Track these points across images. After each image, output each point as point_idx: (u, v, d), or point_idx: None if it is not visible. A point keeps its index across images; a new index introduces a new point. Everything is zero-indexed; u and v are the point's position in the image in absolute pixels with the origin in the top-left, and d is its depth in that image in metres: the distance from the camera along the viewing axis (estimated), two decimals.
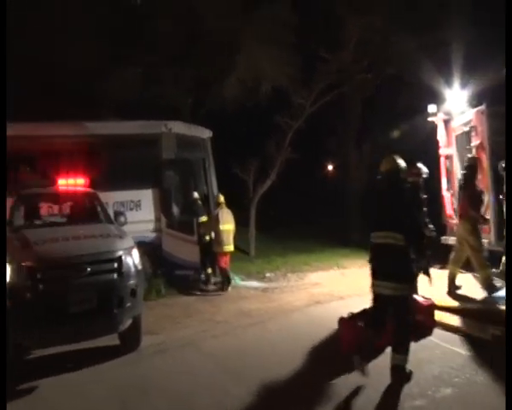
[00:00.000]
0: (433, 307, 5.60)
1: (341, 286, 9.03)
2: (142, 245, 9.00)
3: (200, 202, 9.75)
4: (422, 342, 5.23)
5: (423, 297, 5.65)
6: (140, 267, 5.92)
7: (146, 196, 9.82)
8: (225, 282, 9.34)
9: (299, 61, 13.10)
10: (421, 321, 5.22)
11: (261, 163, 13.73)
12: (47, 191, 7.25)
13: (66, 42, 12.55)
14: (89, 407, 4.54)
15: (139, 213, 9.66)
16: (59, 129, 9.36)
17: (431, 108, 8.62)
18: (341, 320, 5.42)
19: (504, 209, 6.30)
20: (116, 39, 12.94)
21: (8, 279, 5.10)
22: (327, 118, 15.03)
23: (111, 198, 9.22)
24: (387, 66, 13.29)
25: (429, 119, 8.77)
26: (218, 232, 9.30)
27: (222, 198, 9.66)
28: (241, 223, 14.62)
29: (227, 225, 9.37)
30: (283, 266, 11.61)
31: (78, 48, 12.49)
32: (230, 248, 9.43)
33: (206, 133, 11.10)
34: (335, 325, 5.53)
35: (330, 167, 25.61)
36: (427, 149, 9.61)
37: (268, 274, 10.82)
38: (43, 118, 9.39)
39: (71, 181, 7.44)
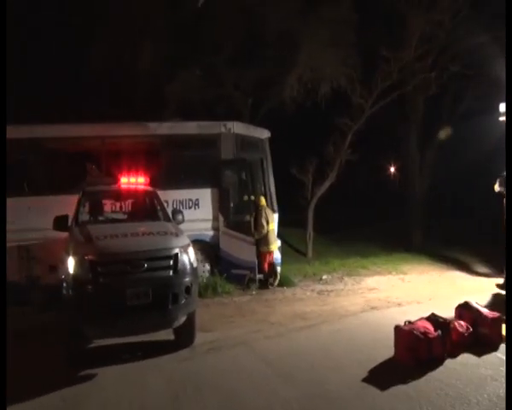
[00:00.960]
0: (499, 319, 5.25)
1: (399, 292, 8.70)
2: (199, 243, 9.36)
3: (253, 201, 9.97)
4: (487, 357, 4.95)
5: (489, 309, 5.32)
6: (195, 265, 6.01)
7: (204, 196, 9.93)
8: (273, 276, 9.68)
9: (359, 60, 12.72)
10: (485, 334, 4.90)
11: (320, 164, 13.53)
12: (110, 189, 7.54)
13: (132, 43, 13.05)
14: (143, 397, 4.64)
15: (197, 212, 9.79)
16: (122, 129, 9.71)
17: (502, 106, 8.11)
18: (397, 328, 5.20)
19: None
20: (178, 40, 13.25)
21: (71, 271, 5.36)
22: (388, 119, 14.55)
23: (170, 197, 9.44)
24: (452, 63, 12.63)
25: (501, 119, 8.25)
26: (265, 232, 9.56)
27: (263, 200, 9.94)
28: (298, 224, 14.61)
29: (272, 224, 9.76)
30: (340, 269, 11.43)
31: (143, 49, 12.94)
32: (275, 246, 9.86)
33: (264, 134, 11.08)
34: (391, 333, 5.32)
35: (392, 169, 24.87)
36: (498, 151, 9.04)
37: (324, 276, 10.67)
38: (108, 119, 9.82)
39: (132, 179, 7.66)
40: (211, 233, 9.89)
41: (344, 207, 19.28)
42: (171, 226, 6.47)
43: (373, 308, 7.67)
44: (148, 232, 6.01)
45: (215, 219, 9.95)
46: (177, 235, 6.09)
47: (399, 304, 7.84)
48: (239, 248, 9.60)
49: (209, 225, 9.91)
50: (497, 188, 7.45)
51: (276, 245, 9.92)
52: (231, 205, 10.03)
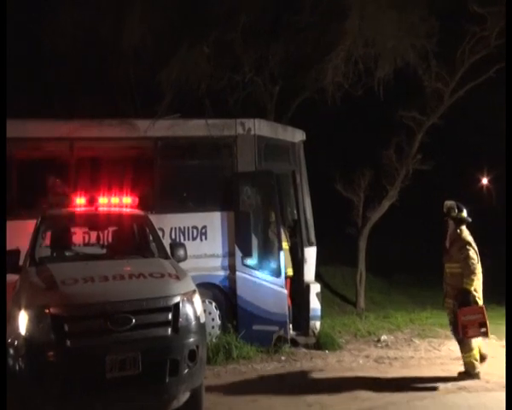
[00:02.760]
0: None
1: (501, 366, 8.38)
2: (207, 288, 9.50)
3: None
4: None
5: None
6: (203, 320, 5.99)
7: (214, 222, 10.01)
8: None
9: (436, 25, 12.38)
10: None
11: (375, 177, 13.47)
12: (82, 212, 7.56)
13: (115, 9, 13.28)
14: None
15: (204, 245, 9.88)
16: (99, 130, 9.78)
17: None
18: None
19: None
20: (178, 5, 13.37)
21: (24, 331, 5.27)
22: (480, 109, 14.30)
23: (167, 223, 9.58)
24: None
25: None
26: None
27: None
28: (344, 261, 14.44)
29: (285, 243, 10.19)
30: (407, 327, 11.31)
31: (129, 18, 13.13)
32: (290, 271, 10.24)
33: (297, 136, 11.09)
34: None
35: (484, 181, 24.38)
36: None
37: (384, 337, 10.52)
38: (80, 114, 9.94)
39: (115, 200, 7.73)
40: (224, 274, 9.94)
41: (411, 237, 18.98)
42: (168, 265, 6.53)
43: (461, 388, 7.39)
44: (138, 274, 6.04)
45: (230, 254, 9.98)
46: (177, 277, 6.11)
47: (502, 385, 7.04)
48: (264, 295, 9.64)
49: (221, 262, 9.96)
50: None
51: (290, 270, 10.19)
52: (252, 235, 10.07)
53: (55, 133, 9.51)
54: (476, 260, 7.53)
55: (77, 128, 9.62)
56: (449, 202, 8.02)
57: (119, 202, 7.75)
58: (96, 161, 10.01)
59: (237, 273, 9.83)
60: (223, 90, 13.65)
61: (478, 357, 7.76)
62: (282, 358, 9.15)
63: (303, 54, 13.67)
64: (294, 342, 9.76)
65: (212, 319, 9.69)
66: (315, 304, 10.12)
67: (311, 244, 10.45)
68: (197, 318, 5.83)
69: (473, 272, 7.46)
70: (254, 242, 10.12)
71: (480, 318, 7.38)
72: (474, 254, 7.56)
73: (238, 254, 9.87)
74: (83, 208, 7.58)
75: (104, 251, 7.89)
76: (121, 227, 7.87)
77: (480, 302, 7.60)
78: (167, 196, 9.82)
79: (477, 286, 7.59)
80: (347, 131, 17.70)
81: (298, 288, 10.23)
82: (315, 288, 10.25)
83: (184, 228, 9.87)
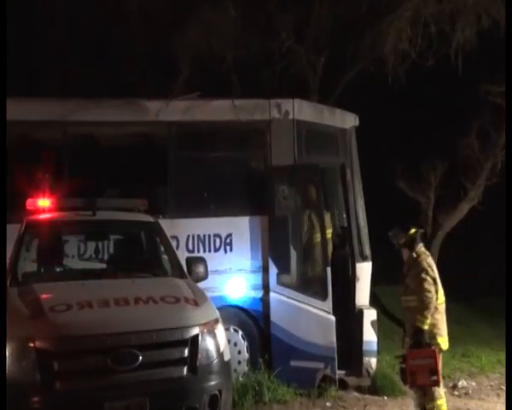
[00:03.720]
0: None
1: None
2: (233, 314, 9.54)
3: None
4: None
5: None
6: (227, 357, 6.04)
7: (242, 229, 10.05)
8: None
9: None
10: None
11: (450, 172, 13.28)
12: (77, 218, 7.59)
13: None
14: None
15: (229, 258, 9.94)
16: (100, 112, 9.80)
17: None
18: None
19: None
20: None
21: (6, 368, 5.27)
22: None
23: (183, 230, 9.63)
24: None
25: None
26: None
27: None
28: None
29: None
30: (494, 371, 11.16)
31: None
32: None
33: (348, 120, 11.06)
34: None
35: None
36: None
37: (463, 382, 10.37)
38: (76, 92, 9.98)
39: (117, 202, 7.88)
40: (253, 295, 9.96)
41: (497, 250, 18.59)
42: (185, 286, 6.61)
43: None
44: (146, 298, 6.06)
45: (262, 270, 10.00)
46: (195, 303, 6.17)
47: None
48: (305, 323, 9.61)
49: (251, 280, 9.97)
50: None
51: None
52: (291, 246, 10.07)
53: (41, 115, 9.51)
54: (433, 292, 7.49)
55: (70, 109, 9.64)
56: (390, 234, 8.15)
57: (123, 205, 7.82)
58: (94, 151, 10.01)
59: (271, 294, 9.82)
60: (254, 63, 13.65)
61: None
62: (328, 404, 9.05)
63: (355, 15, 13.55)
64: (343, 384, 9.64)
65: (239, 352, 9.70)
66: (370, 335, 9.97)
67: (364, 258, 10.37)
68: (220, 354, 5.86)
69: (427, 307, 7.41)
70: (294, 254, 10.12)
71: (431, 363, 7.34)
72: (429, 284, 7.52)
73: (273, 269, 9.85)
74: (78, 212, 7.60)
75: (104, 267, 7.96)
76: (126, 237, 7.97)
77: (444, 343, 7.65)
78: (183, 197, 9.84)
79: (438, 323, 7.61)
80: (413, 113, 17.42)
81: (348, 314, 10.06)
82: (370, 314, 10.12)
83: (204, 237, 9.90)
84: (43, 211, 7.68)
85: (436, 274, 7.64)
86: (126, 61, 14.32)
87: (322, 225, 9.89)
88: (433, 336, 7.46)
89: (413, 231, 8.00)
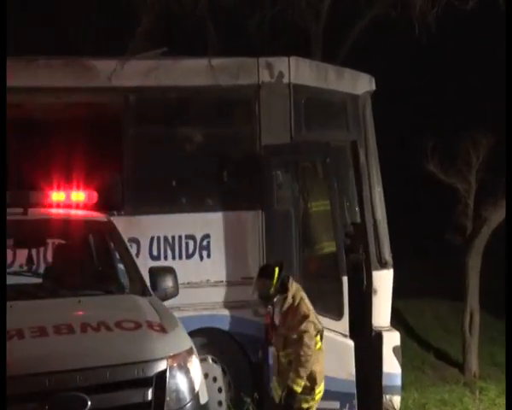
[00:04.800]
0: None
1: None
2: (211, 339, 9.64)
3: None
4: None
5: None
6: (204, 399, 6.01)
7: (223, 228, 10.09)
8: None
9: None
10: None
11: (496, 151, 13.28)
12: (9, 218, 7.21)
13: None
14: None
15: (207, 266, 10.00)
16: (33, 75, 9.68)
17: None
18: None
19: None
20: None
21: None
22: None
23: (145, 231, 9.69)
24: None
25: None
26: None
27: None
28: (442, 290, 14.35)
29: None
30: None
31: None
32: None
33: (361, 84, 11.07)
34: None
35: None
36: None
37: None
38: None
39: (57, 195, 7.65)
40: (240, 314, 9.97)
41: None
42: (147, 306, 6.57)
43: None
44: (97, 323, 5.96)
45: (251, 281, 9.78)
46: (162, 328, 6.08)
47: None
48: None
49: (235, 294, 9.99)
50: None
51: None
52: (294, 250, 10.04)
53: None
54: (312, 347, 7.73)
55: None
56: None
57: (64, 200, 7.68)
58: (23, 128, 9.98)
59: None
60: (236, 8, 13.59)
61: None
62: None
63: None
64: None
65: (219, 390, 9.77)
66: (391, 366, 10.02)
67: (383, 265, 10.36)
68: (195, 396, 5.81)
69: (303, 365, 7.67)
70: (298, 260, 10.07)
71: None
72: (310, 338, 7.77)
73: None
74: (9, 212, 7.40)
75: (40, 282, 7.81)
76: (69, 241, 7.92)
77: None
78: (145, 187, 9.89)
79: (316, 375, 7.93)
80: (446, 74, 17.49)
81: (362, 338, 10.10)
82: (391, 338, 10.16)
83: (173, 239, 9.94)
84: None
85: (313, 312, 8.02)
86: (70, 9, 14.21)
87: (334, 222, 9.99)
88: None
89: (276, 268, 8.11)
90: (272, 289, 7.98)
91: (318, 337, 7.88)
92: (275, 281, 7.98)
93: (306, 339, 7.65)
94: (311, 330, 7.71)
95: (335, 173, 10.51)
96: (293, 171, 10.31)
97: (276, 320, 8.13)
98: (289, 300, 7.92)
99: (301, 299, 7.96)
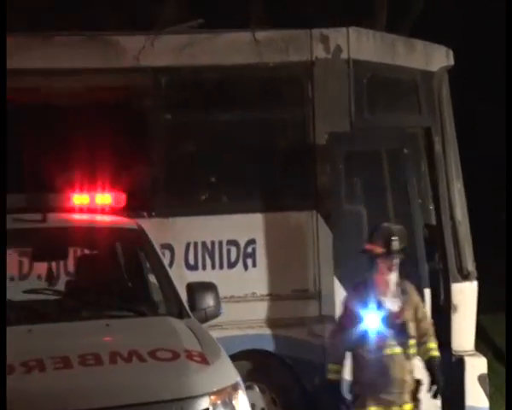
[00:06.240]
0: None
1: None
2: (257, 365, 9.66)
3: None
4: None
5: None
6: None
7: (272, 232, 10.06)
8: None
9: None
10: None
11: None
12: (18, 227, 7.49)
13: None
14: None
15: (252, 278, 10.02)
16: (51, 54, 9.76)
17: None
18: None
19: None
20: None
21: None
22: None
23: (179, 236, 9.70)
24: None
25: None
26: None
27: None
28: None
29: None
30: None
31: None
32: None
33: (437, 58, 10.95)
34: None
35: None
36: None
37: None
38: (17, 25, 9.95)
39: (80, 198, 7.73)
40: (293, 334, 9.95)
41: None
42: (186, 332, 6.61)
43: None
44: (127, 353, 5.99)
45: (312, 295, 10.02)
46: (204, 359, 6.10)
47: None
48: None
49: (288, 311, 9.97)
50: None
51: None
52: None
53: None
54: None
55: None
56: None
57: (88, 203, 7.74)
58: (40, 116, 9.92)
59: None
60: None
61: None
62: None
63: None
64: None
65: None
66: (477, 398, 9.90)
67: (465, 277, 10.24)
68: None
69: None
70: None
71: None
72: None
73: (341, 293, 9.71)
74: (19, 217, 7.56)
75: (61, 300, 7.81)
76: (94, 253, 8.00)
77: None
78: (179, 184, 9.92)
79: None
80: None
81: (441, 365, 9.96)
82: (476, 365, 10.05)
83: (213, 245, 9.95)
84: None
85: None
86: None
87: (413, 224, 10.01)
88: None
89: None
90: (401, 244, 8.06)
91: None
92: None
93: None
94: None
95: (406, 166, 10.50)
96: (362, 163, 10.31)
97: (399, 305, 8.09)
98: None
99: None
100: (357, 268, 9.42)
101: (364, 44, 10.52)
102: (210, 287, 7.37)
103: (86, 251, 8.15)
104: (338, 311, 9.37)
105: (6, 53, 7.60)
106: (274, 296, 9.93)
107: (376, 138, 10.24)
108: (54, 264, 8.77)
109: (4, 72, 7.48)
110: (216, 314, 7.26)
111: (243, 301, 9.66)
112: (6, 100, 7.30)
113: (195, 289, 7.30)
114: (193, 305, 7.12)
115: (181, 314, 6.98)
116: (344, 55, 10.29)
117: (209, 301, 7.18)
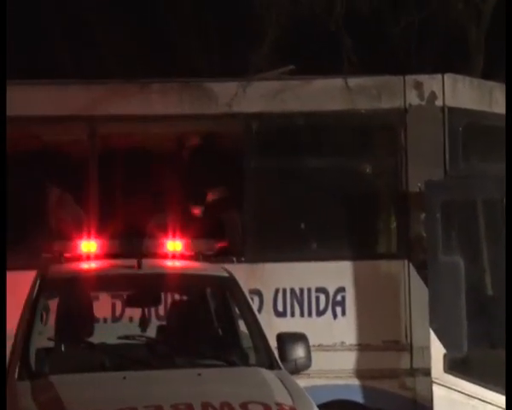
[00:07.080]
0: None
1: None
2: None
3: None
4: None
5: None
6: None
7: (361, 279, 10.02)
8: None
9: None
10: None
11: None
12: (114, 273, 7.62)
13: None
14: None
15: (342, 326, 9.99)
16: (144, 101, 9.89)
17: None
18: None
19: None
20: None
21: None
22: None
23: (267, 282, 9.73)
24: None
25: None
26: None
27: None
28: None
29: None
30: None
31: None
32: None
33: None
34: None
35: None
36: None
37: None
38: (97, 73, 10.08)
39: (172, 244, 7.73)
40: (385, 387, 9.91)
41: None
42: (276, 383, 6.48)
43: None
44: (219, 405, 5.87)
45: (404, 347, 9.95)
46: None
47: None
48: None
49: (379, 362, 9.93)
50: None
51: None
52: (464, 309, 9.68)
53: (47, 108, 9.65)
54: None
55: (99, 97, 9.81)
56: None
57: (181, 250, 7.76)
58: (134, 160, 10.15)
59: (435, 389, 9.66)
60: (377, 15, 13.56)
61: None
62: None
63: None
64: None
65: None
66: None
67: None
68: None
69: None
70: (467, 321, 9.68)
71: None
72: None
73: (437, 347, 9.64)
74: (112, 264, 7.64)
75: (154, 346, 7.83)
76: (185, 300, 8.05)
77: None
78: (269, 229, 9.95)
79: None
80: None
81: None
82: None
83: (302, 291, 9.94)
84: (83, 258, 7.74)
85: None
86: (179, 22, 14.49)
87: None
88: None
89: None
90: None
91: None
92: None
93: None
94: None
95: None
96: (458, 212, 10.22)
97: None
98: None
99: None
100: (455, 321, 9.49)
101: (460, 91, 10.47)
102: (301, 338, 7.28)
103: (178, 297, 8.17)
104: (436, 368, 9.52)
105: (6, 55, 7.76)
106: (363, 346, 9.87)
107: (473, 188, 10.00)
108: (146, 311, 8.75)
109: (4, 73, 7.66)
110: (306, 366, 7.17)
111: (332, 350, 9.62)
112: (6, 102, 7.44)
113: (286, 340, 7.23)
114: (283, 356, 7.02)
115: (271, 365, 6.85)
116: (439, 102, 10.24)
117: (300, 352, 7.11)
